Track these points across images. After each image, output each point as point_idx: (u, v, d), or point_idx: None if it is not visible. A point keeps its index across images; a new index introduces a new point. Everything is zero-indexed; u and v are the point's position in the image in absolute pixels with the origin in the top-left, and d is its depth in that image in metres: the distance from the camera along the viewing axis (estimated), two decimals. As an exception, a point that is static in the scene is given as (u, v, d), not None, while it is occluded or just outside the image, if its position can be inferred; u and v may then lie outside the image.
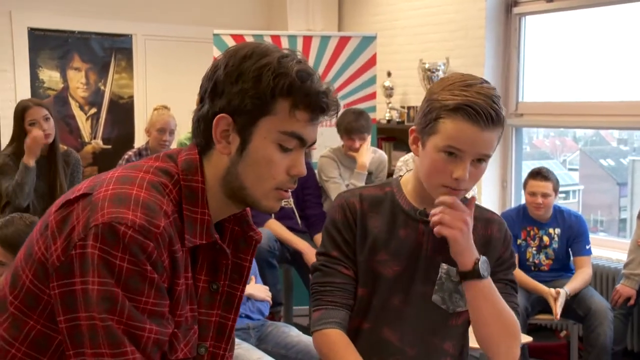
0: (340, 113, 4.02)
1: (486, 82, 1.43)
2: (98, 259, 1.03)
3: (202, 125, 1.16)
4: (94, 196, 1.08)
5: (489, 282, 1.47)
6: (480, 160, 1.42)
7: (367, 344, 1.52)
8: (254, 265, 3.15)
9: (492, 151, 1.43)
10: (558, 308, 3.43)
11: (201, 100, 1.17)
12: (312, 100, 1.13)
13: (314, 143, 1.20)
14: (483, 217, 1.59)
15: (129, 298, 1.04)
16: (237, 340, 2.71)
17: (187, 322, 1.16)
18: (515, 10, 4.73)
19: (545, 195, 3.66)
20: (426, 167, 1.45)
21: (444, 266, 1.52)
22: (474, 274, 1.44)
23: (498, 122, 1.39)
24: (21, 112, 3.48)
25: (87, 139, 5.61)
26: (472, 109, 1.36)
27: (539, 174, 3.69)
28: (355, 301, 1.53)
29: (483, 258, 1.46)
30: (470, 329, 1.57)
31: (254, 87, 1.11)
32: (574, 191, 6.47)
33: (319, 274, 1.54)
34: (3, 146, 4.07)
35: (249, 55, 1.12)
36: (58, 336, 1.09)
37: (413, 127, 1.49)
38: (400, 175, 1.61)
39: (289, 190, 1.19)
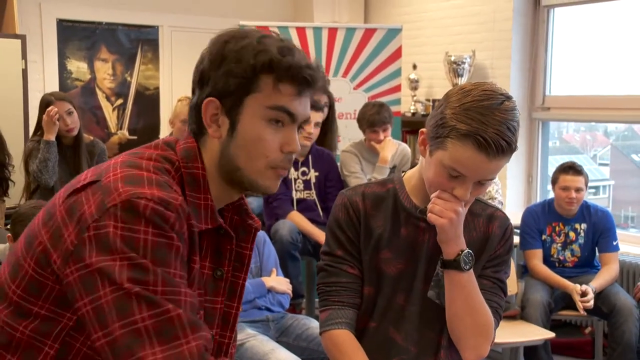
0: (361, 107, 4.04)
1: (508, 98, 1.39)
2: (121, 239, 1.01)
3: (194, 113, 1.18)
4: (103, 181, 1.08)
5: (468, 276, 1.47)
6: (482, 182, 1.42)
7: (374, 344, 1.53)
8: (275, 257, 3.15)
9: (496, 175, 1.42)
10: (587, 304, 3.39)
11: (193, 92, 1.19)
12: (294, 73, 1.13)
13: (307, 121, 1.20)
14: (486, 214, 1.58)
15: (160, 269, 1.02)
16: (252, 332, 2.72)
17: (195, 306, 1.15)
18: (544, 2, 4.66)
19: (578, 190, 3.61)
20: (430, 176, 1.45)
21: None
22: (454, 264, 1.45)
23: (508, 151, 1.37)
24: (45, 107, 3.55)
25: (113, 130, 5.67)
26: (483, 139, 1.33)
27: (571, 169, 3.63)
28: (362, 300, 1.54)
29: (468, 251, 1.46)
30: None
31: (236, 67, 1.12)
32: (604, 186, 6.37)
33: (324, 274, 1.54)
34: (31, 135, 4.14)
35: (229, 39, 1.14)
36: (63, 320, 1.09)
37: (423, 129, 1.48)
38: (404, 171, 1.61)
39: (285, 168, 1.18)
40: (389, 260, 1.52)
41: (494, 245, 1.56)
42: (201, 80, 1.16)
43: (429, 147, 1.44)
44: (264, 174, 1.16)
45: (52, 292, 1.08)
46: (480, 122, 1.34)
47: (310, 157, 3.88)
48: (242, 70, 1.12)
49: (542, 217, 3.74)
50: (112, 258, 1.01)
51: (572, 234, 3.71)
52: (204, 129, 1.17)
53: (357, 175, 3.94)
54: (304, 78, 1.14)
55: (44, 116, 3.47)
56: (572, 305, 3.53)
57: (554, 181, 3.72)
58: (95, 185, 1.08)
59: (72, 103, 3.62)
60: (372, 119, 3.89)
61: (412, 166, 4.49)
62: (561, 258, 3.72)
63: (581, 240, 3.71)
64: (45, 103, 3.56)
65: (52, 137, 3.48)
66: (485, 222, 1.56)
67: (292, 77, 1.13)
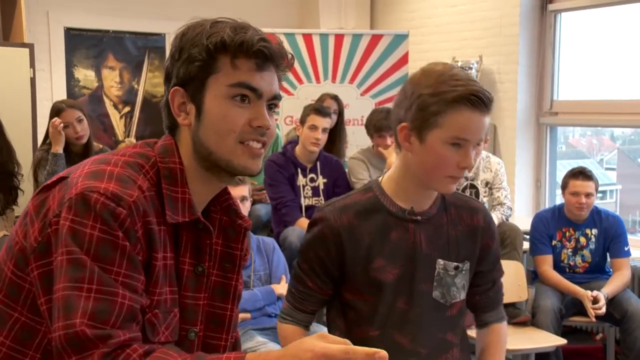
0: (368, 114, 4.04)
1: (458, 68, 1.47)
2: (68, 230, 1.02)
3: (166, 110, 1.19)
4: (70, 177, 1.09)
5: None
6: (478, 144, 1.46)
7: None
8: (285, 264, 3.14)
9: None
10: (599, 311, 3.36)
11: (164, 93, 1.21)
12: (248, 47, 1.13)
13: (277, 97, 1.19)
14: (468, 206, 1.60)
15: (99, 267, 1.02)
16: (262, 339, 2.70)
17: (167, 304, 1.14)
18: (551, 7, 4.66)
19: (588, 195, 3.59)
20: (430, 161, 1.44)
21: (440, 262, 1.52)
22: None
23: (492, 105, 1.43)
24: (55, 114, 3.57)
25: (120, 137, 5.68)
26: (475, 97, 1.38)
27: (581, 174, 3.62)
28: (358, 309, 1.53)
29: None
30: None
31: (193, 53, 1.13)
32: (611, 191, 6.35)
33: (293, 274, 1.60)
34: (39, 143, 4.15)
35: (185, 31, 1.16)
36: (42, 328, 1.08)
37: (404, 125, 1.46)
38: (378, 177, 1.60)
39: (258, 143, 1.16)
40: (384, 268, 1.50)
41: (483, 237, 1.58)
42: (167, 77, 1.18)
43: (417, 137, 1.44)
44: (235, 152, 1.15)
45: (29, 295, 1.08)
46: (462, 85, 1.39)
47: (318, 163, 3.87)
48: (198, 54, 1.13)
49: (552, 222, 3.72)
50: (60, 251, 1.02)
51: (582, 240, 3.69)
52: (176, 121, 1.18)
53: (365, 182, 3.93)
54: (258, 51, 1.14)
55: (50, 127, 3.48)
56: (583, 312, 3.51)
57: (564, 186, 3.70)
58: (63, 181, 1.10)
59: (82, 110, 3.64)
60: (379, 124, 3.89)
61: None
62: (572, 264, 3.70)
63: (592, 246, 3.68)
64: (55, 110, 3.59)
65: (60, 149, 3.49)
66: (469, 214, 1.58)
67: (247, 51, 1.13)
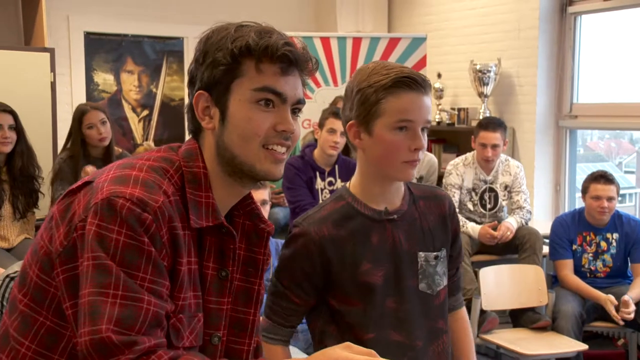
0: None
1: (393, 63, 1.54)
2: (94, 235, 1.02)
3: (190, 114, 1.19)
4: (95, 182, 1.10)
5: None
6: (424, 129, 1.49)
7: (379, 353, 1.52)
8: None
9: (431, 118, 1.52)
10: (628, 315, 3.32)
11: (188, 97, 1.21)
12: (273, 51, 1.13)
13: (301, 102, 1.19)
14: (433, 195, 1.64)
15: (124, 272, 1.02)
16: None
17: (191, 309, 1.14)
18: (570, 9, 4.62)
19: (610, 199, 3.56)
20: (381, 150, 1.48)
21: (421, 254, 1.56)
22: None
23: (429, 86, 1.48)
24: (79, 116, 3.62)
25: (139, 141, 5.71)
26: (409, 78, 1.44)
27: (602, 177, 3.58)
28: (349, 315, 1.52)
29: None
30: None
31: (218, 57, 1.14)
32: (630, 194, 6.28)
33: (271, 290, 1.57)
34: (60, 147, 4.19)
35: (210, 35, 1.17)
36: (67, 332, 1.08)
37: (350, 123, 1.50)
38: (344, 184, 1.61)
39: (282, 147, 1.17)
40: (371, 271, 1.52)
41: (452, 223, 1.63)
42: (191, 80, 1.19)
43: (365, 131, 1.48)
44: (258, 157, 1.16)
45: (54, 298, 1.08)
46: (396, 71, 1.45)
47: (336, 167, 3.87)
48: (222, 58, 1.13)
49: (572, 226, 3.69)
50: (86, 257, 1.02)
51: (603, 244, 3.66)
52: (200, 125, 1.18)
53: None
54: (283, 55, 1.14)
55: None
56: (605, 316, 3.47)
57: (585, 190, 3.66)
58: (88, 186, 1.10)
59: (105, 113, 3.69)
60: None
61: (439, 176, 4.48)
62: (592, 268, 3.66)
63: (613, 250, 3.65)
64: (80, 112, 3.64)
65: None
66: (436, 203, 1.62)
67: (272, 56, 1.13)
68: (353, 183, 1.58)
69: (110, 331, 0.99)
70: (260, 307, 1.29)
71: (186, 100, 1.24)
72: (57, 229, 1.09)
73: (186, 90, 1.24)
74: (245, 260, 1.25)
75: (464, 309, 1.74)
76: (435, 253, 1.57)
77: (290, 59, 1.15)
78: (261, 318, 1.56)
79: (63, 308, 1.07)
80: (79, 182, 1.13)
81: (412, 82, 1.44)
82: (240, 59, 1.13)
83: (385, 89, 1.44)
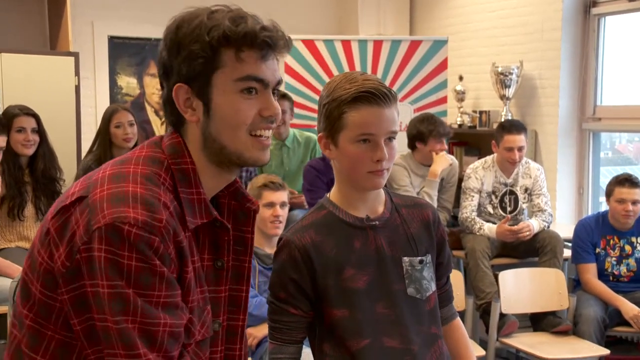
0: (415, 120, 4.02)
1: (365, 73, 1.57)
2: (105, 261, 1.03)
3: (168, 106, 1.18)
4: (90, 198, 1.08)
5: None
6: (391, 138, 1.52)
7: (375, 359, 1.52)
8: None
9: (397, 127, 1.54)
10: None
11: (161, 87, 1.19)
12: (251, 38, 1.12)
13: (280, 82, 1.19)
14: (414, 203, 1.66)
15: (140, 295, 1.04)
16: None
17: (200, 305, 1.16)
18: (594, 10, 4.57)
19: (635, 203, 3.51)
20: (347, 162, 1.53)
21: (406, 259, 1.57)
22: None
23: (393, 98, 1.51)
24: (110, 115, 3.71)
25: (162, 144, 5.76)
26: (368, 93, 1.48)
27: (627, 181, 3.54)
28: (341, 325, 1.53)
29: None
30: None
31: (195, 49, 1.11)
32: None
33: (270, 310, 1.58)
34: (84, 150, 4.25)
35: (180, 24, 1.14)
36: (77, 343, 1.09)
37: (320, 135, 1.56)
38: (327, 194, 1.64)
39: (268, 131, 1.17)
40: (354, 276, 1.53)
41: (435, 229, 1.64)
42: (165, 72, 1.17)
43: (332, 143, 1.53)
44: (247, 145, 1.16)
45: (60, 313, 1.09)
46: (357, 85, 1.49)
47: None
48: (200, 49, 1.11)
49: (595, 230, 3.64)
50: (101, 284, 1.03)
51: (627, 248, 3.60)
52: (182, 117, 1.17)
53: (407, 188, 3.92)
54: (263, 42, 1.13)
55: None
56: (628, 321, 3.42)
57: (609, 194, 3.62)
58: (83, 202, 1.09)
59: (133, 116, 3.79)
60: (439, 131, 3.91)
61: (459, 179, 4.45)
62: (616, 272, 3.61)
63: (638, 255, 3.59)
64: (110, 111, 3.74)
65: None
66: (418, 210, 1.64)
67: (251, 43, 1.13)
68: (333, 192, 1.62)
69: (149, 355, 1.04)
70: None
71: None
72: (55, 247, 1.08)
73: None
74: (234, 240, 1.25)
75: (459, 319, 1.74)
76: (420, 257, 1.58)
77: (270, 44, 1.14)
78: (268, 343, 1.60)
79: (70, 323, 1.08)
80: (73, 197, 1.10)
81: (371, 97, 1.48)
82: (219, 49, 1.12)
83: (346, 104, 1.49)
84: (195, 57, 1.12)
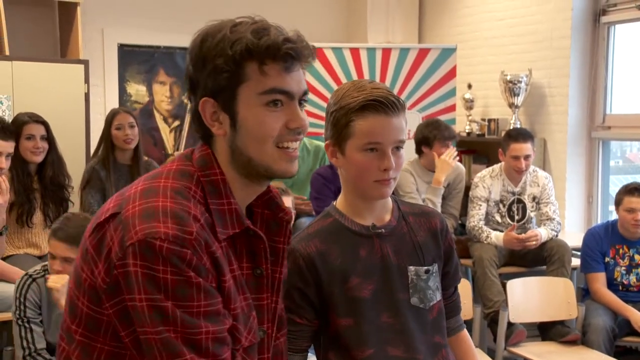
0: (421, 125, 4.02)
1: (374, 81, 1.56)
2: (142, 276, 1.05)
3: (196, 120, 1.19)
4: (123, 215, 1.10)
5: None
6: (398, 147, 1.52)
7: None
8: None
9: (405, 136, 1.53)
10: None
11: (189, 101, 1.21)
12: (274, 51, 1.12)
13: (306, 92, 1.19)
14: (422, 212, 1.65)
15: (179, 306, 1.06)
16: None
17: (244, 311, 1.17)
18: (604, 19, 4.55)
19: None
20: (354, 170, 1.52)
21: (411, 268, 1.56)
22: None
23: (401, 107, 1.50)
24: (111, 118, 3.77)
25: (170, 151, 5.78)
26: (377, 102, 1.47)
27: (636, 190, 3.52)
28: (346, 335, 1.52)
29: None
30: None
31: (219, 63, 1.13)
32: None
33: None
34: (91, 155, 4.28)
35: (205, 38, 1.16)
36: (127, 352, 1.12)
37: (327, 143, 1.55)
38: (333, 201, 1.64)
39: (295, 142, 1.18)
40: (360, 285, 1.53)
41: (442, 238, 1.63)
42: (192, 86, 1.18)
43: (339, 151, 1.53)
44: (274, 157, 1.17)
45: (108, 327, 1.11)
46: (365, 94, 1.48)
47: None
48: (224, 64, 1.12)
49: (605, 239, 3.62)
50: (138, 298, 1.05)
51: (637, 257, 3.58)
52: (210, 130, 1.18)
53: (412, 195, 3.92)
54: (286, 54, 1.13)
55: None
56: (637, 331, 3.39)
57: (618, 203, 3.60)
58: (116, 218, 1.11)
59: (135, 118, 3.82)
60: (445, 134, 3.93)
61: (467, 186, 4.44)
62: (625, 282, 3.59)
63: (647, 264, 3.57)
64: (111, 114, 3.80)
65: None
66: (426, 219, 1.63)
67: (274, 56, 1.13)
68: (339, 200, 1.61)
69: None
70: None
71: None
72: (95, 264, 1.11)
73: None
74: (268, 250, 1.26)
75: (465, 331, 1.73)
76: (426, 267, 1.57)
77: (293, 56, 1.14)
78: None
79: (119, 335, 1.11)
80: (107, 214, 1.13)
81: (379, 105, 1.47)
82: (242, 63, 1.13)
83: (354, 112, 1.48)
84: (219, 72, 1.13)
